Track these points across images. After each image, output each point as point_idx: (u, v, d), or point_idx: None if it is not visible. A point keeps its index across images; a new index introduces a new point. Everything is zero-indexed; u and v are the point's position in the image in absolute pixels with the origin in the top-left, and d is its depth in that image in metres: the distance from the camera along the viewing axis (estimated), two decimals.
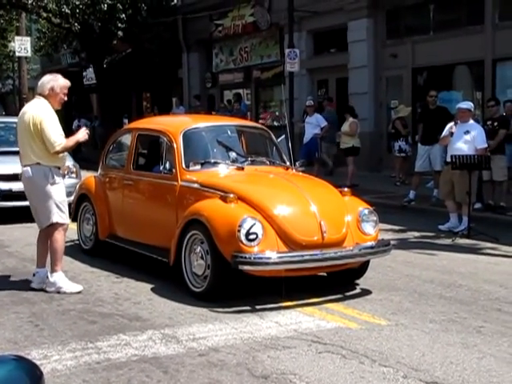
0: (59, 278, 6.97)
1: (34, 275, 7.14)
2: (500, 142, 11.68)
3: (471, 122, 10.53)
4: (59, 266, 7.05)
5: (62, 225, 7.02)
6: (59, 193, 6.97)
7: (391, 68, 17.57)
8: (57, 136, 6.85)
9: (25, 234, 10.09)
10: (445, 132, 10.57)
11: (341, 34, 18.33)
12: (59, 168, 7.05)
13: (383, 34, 17.78)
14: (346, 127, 15.47)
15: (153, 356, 5.09)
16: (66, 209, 7.09)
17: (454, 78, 16.56)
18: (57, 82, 7.08)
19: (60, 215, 6.94)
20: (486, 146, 10.43)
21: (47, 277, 7.04)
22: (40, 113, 6.87)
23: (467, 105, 10.71)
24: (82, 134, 7.22)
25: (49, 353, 5.13)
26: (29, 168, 6.91)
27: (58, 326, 5.83)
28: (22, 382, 1.65)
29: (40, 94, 7.06)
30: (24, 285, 7.20)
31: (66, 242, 7.53)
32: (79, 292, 6.92)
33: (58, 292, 6.89)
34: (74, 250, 8.72)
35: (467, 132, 10.34)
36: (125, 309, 6.36)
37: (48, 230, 7.03)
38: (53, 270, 7.00)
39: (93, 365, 4.91)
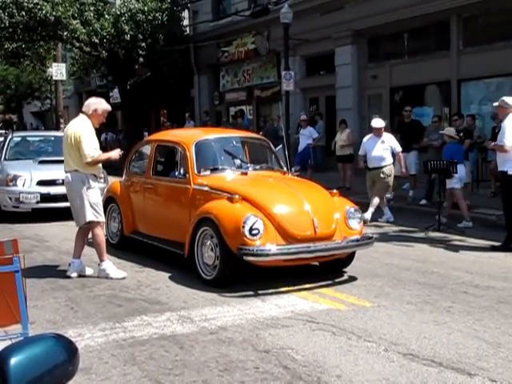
0: (108, 266, 7.05)
1: (69, 265, 7.15)
2: (465, 150, 11.66)
3: (384, 134, 11.14)
4: (105, 255, 7.11)
5: (97, 222, 7.06)
6: (94, 195, 7.01)
7: (372, 87, 17.53)
8: (90, 149, 6.86)
9: (61, 231, 10.11)
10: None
11: (329, 59, 18.29)
12: (95, 175, 7.08)
13: (365, 58, 17.74)
14: (343, 137, 15.39)
15: (171, 334, 5.08)
16: (100, 209, 7.10)
17: (425, 96, 16.51)
18: (101, 105, 7.16)
19: (94, 214, 6.97)
20: (401, 149, 11.19)
21: (98, 264, 7.10)
22: (80, 128, 6.93)
23: (379, 123, 11.21)
24: (115, 154, 7.29)
25: (82, 331, 5.13)
26: (69, 174, 6.97)
27: (90, 309, 5.84)
28: (61, 355, 1.64)
29: (84, 112, 7.09)
30: (61, 274, 7.20)
31: None
32: (124, 278, 6.95)
33: (107, 277, 6.93)
34: None
35: (383, 142, 10.94)
36: (146, 294, 6.35)
37: (87, 228, 7.07)
38: (101, 260, 7.08)
39: (120, 342, 4.91)
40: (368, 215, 10.58)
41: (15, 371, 1.51)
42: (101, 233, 7.13)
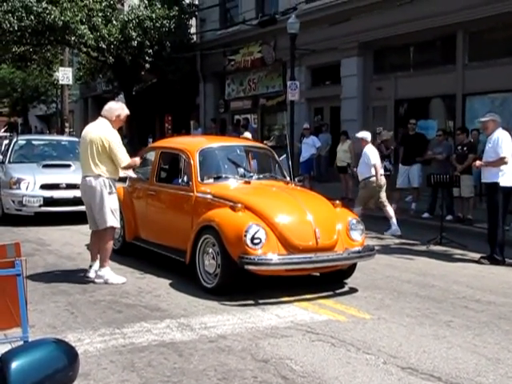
0: (107, 272, 7.08)
1: (90, 267, 7.20)
2: (469, 165, 11.65)
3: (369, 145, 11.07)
4: (107, 262, 7.15)
5: (114, 228, 7.11)
6: (114, 201, 7.06)
7: (377, 99, 17.56)
8: (125, 155, 7.02)
9: (63, 235, 10.14)
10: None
11: (335, 70, 18.34)
12: (115, 180, 7.15)
13: (371, 70, 17.78)
14: (344, 147, 15.42)
15: (170, 341, 5.08)
16: (117, 215, 7.15)
17: (430, 109, 16.53)
18: (123, 111, 7.23)
19: (113, 220, 7.01)
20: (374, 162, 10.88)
21: (94, 271, 7.12)
22: (109, 134, 6.99)
23: (363, 134, 11.27)
24: (138, 161, 7.56)
25: (82, 336, 5.13)
26: (91, 178, 6.99)
27: (90, 314, 5.84)
28: (61, 360, 1.65)
29: (105, 117, 7.12)
30: (62, 278, 7.21)
31: None
32: (123, 283, 6.98)
33: (106, 283, 6.96)
34: None
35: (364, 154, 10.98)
36: (147, 301, 6.35)
37: (101, 232, 7.10)
38: (102, 266, 7.10)
39: (119, 348, 4.91)
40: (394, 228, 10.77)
41: (16, 375, 1.52)
42: (111, 239, 7.19)
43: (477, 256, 8.95)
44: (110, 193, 6.98)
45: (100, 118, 7.20)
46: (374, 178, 10.78)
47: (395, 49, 17.12)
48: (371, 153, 10.84)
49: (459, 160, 11.85)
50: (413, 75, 16.42)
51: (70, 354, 1.69)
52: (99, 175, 6.95)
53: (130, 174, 7.89)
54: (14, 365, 1.53)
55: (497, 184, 8.53)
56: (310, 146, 16.38)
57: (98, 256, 7.16)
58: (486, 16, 13.64)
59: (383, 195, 10.95)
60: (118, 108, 7.22)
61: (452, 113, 15.50)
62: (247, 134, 13.67)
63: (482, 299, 6.68)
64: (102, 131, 7.00)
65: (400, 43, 16.52)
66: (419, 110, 16.34)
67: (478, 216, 11.70)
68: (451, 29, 14.73)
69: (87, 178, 7.03)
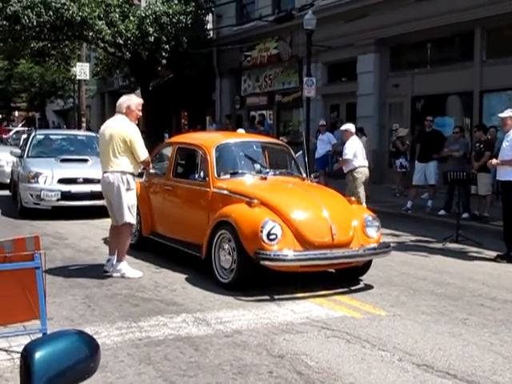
0: (124, 266, 7.14)
1: (108, 261, 7.26)
2: (485, 162, 11.56)
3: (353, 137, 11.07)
4: (124, 256, 7.20)
5: (131, 224, 7.16)
6: (132, 197, 7.10)
7: (394, 96, 17.49)
8: (144, 150, 7.07)
9: (81, 229, 10.22)
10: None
11: (351, 66, 18.28)
12: (134, 175, 7.18)
13: (387, 66, 17.71)
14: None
15: (186, 335, 5.11)
16: (134, 211, 7.20)
17: (447, 106, 16.44)
18: (131, 100, 7.22)
19: (130, 216, 7.05)
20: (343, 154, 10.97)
21: (112, 264, 7.18)
22: (129, 129, 7.01)
23: (347, 126, 11.32)
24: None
25: (99, 330, 5.18)
26: (109, 174, 7.01)
27: (107, 308, 5.89)
28: (83, 351, 1.67)
29: (119, 112, 7.14)
30: (79, 272, 7.28)
31: None
32: (140, 277, 7.02)
33: (123, 277, 7.01)
34: None
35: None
36: (163, 295, 6.39)
37: (119, 227, 7.15)
38: (119, 260, 7.15)
39: (136, 341, 4.95)
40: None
41: (39, 366, 1.54)
42: (129, 235, 7.26)
43: (493, 254, 8.90)
44: (127, 189, 7.01)
45: (116, 114, 7.23)
46: (359, 169, 10.76)
47: (412, 45, 17.03)
48: (349, 145, 10.82)
49: (477, 157, 11.77)
50: (429, 72, 16.33)
51: (91, 346, 1.71)
52: (118, 171, 6.97)
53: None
54: (38, 355, 1.56)
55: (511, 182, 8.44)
56: (325, 143, 16.34)
57: (116, 250, 7.21)
58: (504, 12, 13.53)
59: (361, 190, 10.79)
60: (125, 100, 7.21)
61: (469, 110, 15.40)
62: (241, 131, 13.99)
63: (498, 297, 6.65)
64: (123, 126, 7.02)
65: (417, 40, 16.43)
66: (436, 106, 16.25)
67: (494, 214, 11.61)
68: (469, 25, 14.63)
69: (105, 174, 7.06)
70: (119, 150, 6.96)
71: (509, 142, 8.59)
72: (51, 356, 1.58)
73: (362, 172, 10.83)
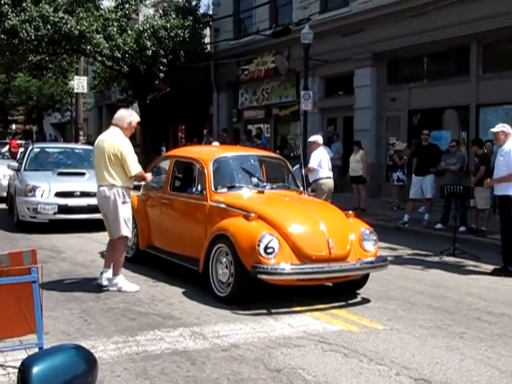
0: (121, 280, 7.11)
1: (101, 273, 7.24)
2: (481, 177, 11.60)
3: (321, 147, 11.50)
4: (120, 270, 7.18)
5: (126, 238, 7.15)
6: (127, 211, 7.08)
7: (390, 110, 17.57)
8: (135, 164, 7.04)
9: (77, 243, 10.21)
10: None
11: (348, 80, 18.38)
12: (129, 188, 7.17)
13: (384, 80, 17.81)
14: (357, 158, 15.45)
15: (183, 350, 5.10)
16: (130, 224, 7.19)
17: (443, 120, 16.52)
18: (134, 118, 7.26)
19: (126, 230, 7.05)
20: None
21: (108, 279, 7.16)
22: (121, 142, 7.00)
23: (315, 137, 11.67)
24: (150, 177, 7.71)
25: (96, 344, 5.15)
26: (105, 188, 7.01)
27: (104, 322, 5.87)
28: (80, 366, 1.68)
29: (117, 125, 7.15)
30: (76, 285, 7.26)
31: None
32: (136, 291, 7.01)
33: (119, 290, 6.99)
34: None
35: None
36: (160, 309, 6.38)
37: (114, 241, 7.14)
38: (115, 274, 7.13)
39: (132, 355, 4.93)
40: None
41: (37, 380, 1.55)
42: (124, 248, 7.25)
43: (490, 267, 8.91)
44: (123, 202, 7.01)
45: (112, 126, 7.22)
46: (322, 180, 11.11)
47: (409, 59, 17.14)
48: (314, 155, 11.20)
49: (475, 172, 11.82)
50: (426, 86, 16.42)
51: (88, 360, 1.72)
52: (113, 184, 6.97)
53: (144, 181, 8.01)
54: (35, 370, 1.57)
55: (509, 197, 8.48)
56: None
57: (112, 265, 7.20)
58: (500, 27, 13.64)
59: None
60: (129, 115, 7.25)
61: (465, 124, 15.48)
62: (215, 143, 14.31)
63: (495, 311, 6.65)
64: (115, 139, 7.03)
65: (413, 54, 16.54)
66: (433, 120, 16.33)
67: (491, 227, 11.64)
68: (465, 40, 14.74)
69: (101, 188, 7.06)
70: (113, 163, 6.96)
71: (503, 157, 8.63)
72: (49, 371, 1.59)
73: (326, 183, 11.24)
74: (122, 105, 29.15)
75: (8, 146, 25.67)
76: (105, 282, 7.16)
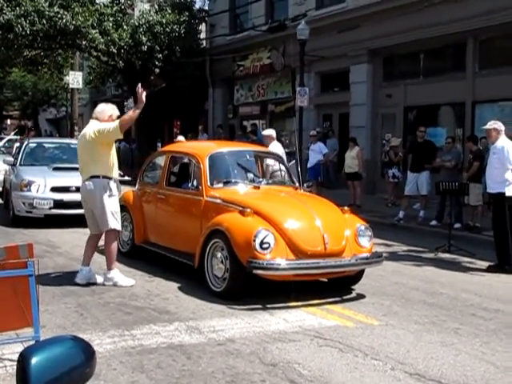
0: (116, 274, 7.11)
1: (78, 272, 7.21)
2: (474, 172, 11.64)
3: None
4: (114, 264, 7.17)
5: (116, 231, 7.12)
6: (114, 204, 7.06)
7: (386, 106, 17.59)
8: (112, 123, 6.90)
9: (73, 237, 10.19)
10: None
11: (344, 76, 18.39)
12: (115, 181, 7.07)
13: (380, 77, 17.82)
14: (352, 154, 15.47)
15: (179, 344, 5.12)
16: (119, 217, 7.17)
17: (439, 116, 16.55)
18: (115, 111, 7.26)
19: (115, 223, 7.03)
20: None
21: (104, 273, 7.15)
22: (95, 126, 6.95)
23: (269, 131, 11.38)
24: (143, 95, 6.93)
25: (92, 338, 5.14)
26: (90, 182, 6.98)
27: (100, 316, 5.88)
28: (78, 357, 1.68)
29: (97, 118, 7.12)
30: (71, 280, 7.25)
31: None
32: (132, 285, 7.01)
33: (115, 285, 6.99)
34: None
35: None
36: (155, 303, 6.39)
37: (98, 236, 7.13)
38: (110, 268, 7.12)
39: (128, 349, 4.95)
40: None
41: (36, 371, 1.55)
42: (115, 241, 7.21)
43: (485, 264, 8.95)
44: (109, 195, 6.98)
45: (92, 120, 7.21)
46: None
47: (405, 56, 17.15)
48: (273, 149, 10.85)
49: (468, 168, 11.86)
50: (422, 82, 16.44)
51: (87, 352, 1.72)
52: (97, 177, 6.93)
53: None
54: (34, 361, 1.57)
55: (503, 194, 8.51)
56: (316, 153, 16.39)
57: (91, 260, 7.14)
58: (496, 24, 13.66)
59: None
60: (109, 109, 7.23)
61: (461, 120, 15.51)
62: (180, 138, 14.29)
63: (490, 307, 6.68)
64: (90, 129, 7.01)
65: (409, 50, 16.55)
66: (428, 117, 16.35)
67: (486, 224, 11.68)
68: (461, 36, 14.76)
69: (86, 182, 7.02)
70: (93, 153, 6.92)
71: (496, 154, 8.65)
72: (47, 362, 1.59)
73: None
74: (118, 100, 29.15)
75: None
76: (82, 281, 7.05)
